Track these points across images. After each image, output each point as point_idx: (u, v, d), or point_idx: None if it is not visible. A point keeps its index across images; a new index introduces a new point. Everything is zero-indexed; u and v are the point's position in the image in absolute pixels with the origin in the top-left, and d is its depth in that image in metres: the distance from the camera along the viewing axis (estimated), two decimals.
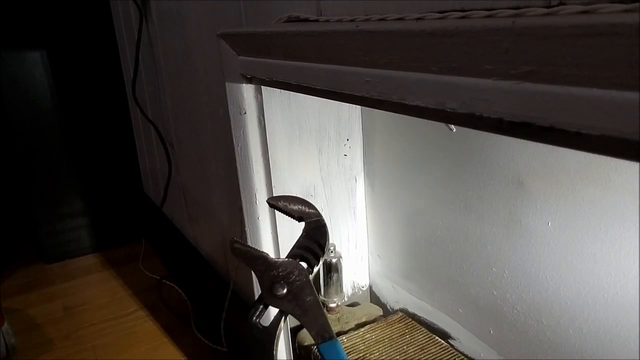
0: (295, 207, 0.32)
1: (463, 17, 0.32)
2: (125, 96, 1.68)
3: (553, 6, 0.27)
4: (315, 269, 0.31)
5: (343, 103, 0.73)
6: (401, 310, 0.78)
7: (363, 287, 0.85)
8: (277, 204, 0.33)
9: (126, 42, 1.52)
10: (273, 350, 0.30)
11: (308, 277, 0.30)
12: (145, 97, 1.45)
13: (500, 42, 0.27)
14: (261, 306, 0.31)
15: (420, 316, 0.75)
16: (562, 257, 0.50)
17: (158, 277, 1.46)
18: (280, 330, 0.31)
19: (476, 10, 0.32)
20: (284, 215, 0.33)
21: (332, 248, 0.74)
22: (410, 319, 0.74)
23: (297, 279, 0.30)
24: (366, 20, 0.41)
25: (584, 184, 0.46)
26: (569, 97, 0.25)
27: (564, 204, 0.48)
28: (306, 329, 0.31)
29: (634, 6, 0.22)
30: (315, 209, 0.33)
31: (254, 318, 0.31)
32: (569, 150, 0.30)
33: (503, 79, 0.28)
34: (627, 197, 0.43)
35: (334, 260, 0.74)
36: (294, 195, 0.34)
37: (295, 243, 0.32)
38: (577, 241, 0.48)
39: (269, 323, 0.31)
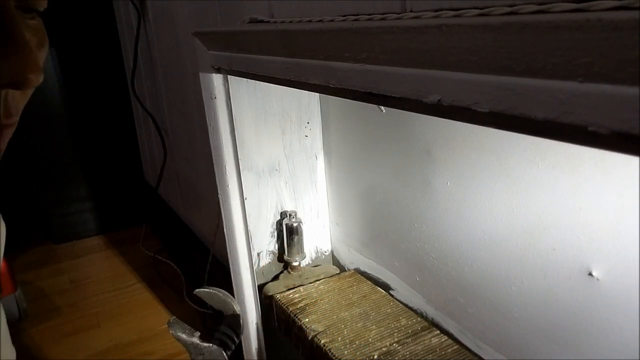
0: (217, 302, 0.46)
1: (380, 19, 0.44)
2: (127, 90, 1.82)
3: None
4: (229, 352, 0.45)
5: (303, 91, 0.86)
6: (356, 269, 0.91)
7: (326, 252, 0.98)
8: (202, 297, 0.46)
9: (127, 41, 1.66)
10: None
11: (225, 357, 0.44)
12: (144, 91, 1.59)
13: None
14: None
15: (369, 273, 0.88)
16: (457, 209, 0.62)
17: (154, 254, 1.60)
18: None
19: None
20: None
21: (293, 214, 0.87)
22: (360, 275, 0.87)
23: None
24: (295, 22, 0.54)
25: (468, 150, 0.59)
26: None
27: (457, 166, 0.61)
28: None
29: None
30: (234, 302, 0.46)
31: None
32: (460, 123, 0.41)
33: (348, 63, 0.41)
34: (494, 158, 0.55)
35: (294, 225, 0.87)
36: (218, 288, 0.47)
37: (220, 328, 0.45)
38: (465, 195, 0.60)
39: None
